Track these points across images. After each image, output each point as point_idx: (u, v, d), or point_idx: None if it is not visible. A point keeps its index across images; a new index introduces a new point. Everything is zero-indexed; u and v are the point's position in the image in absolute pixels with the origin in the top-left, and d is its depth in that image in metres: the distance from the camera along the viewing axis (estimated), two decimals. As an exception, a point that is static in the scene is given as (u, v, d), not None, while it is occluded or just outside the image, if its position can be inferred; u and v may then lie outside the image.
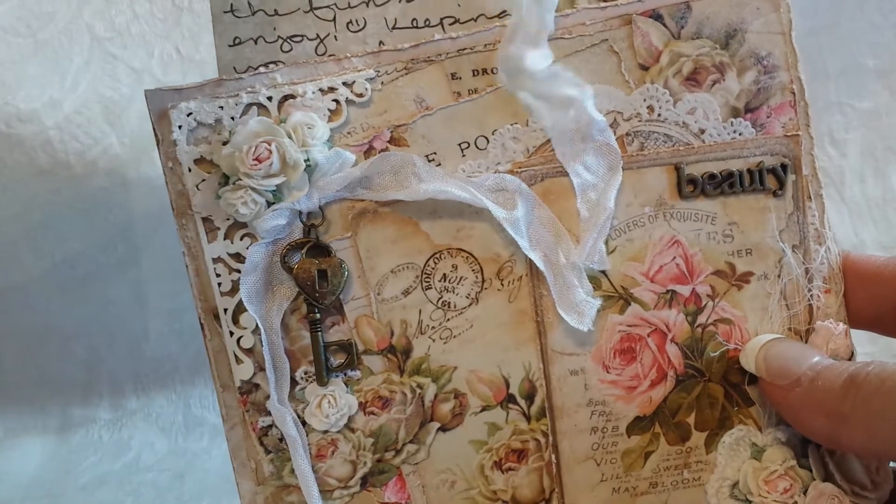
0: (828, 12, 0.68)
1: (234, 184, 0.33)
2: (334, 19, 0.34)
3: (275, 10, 0.33)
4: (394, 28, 0.34)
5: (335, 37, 0.34)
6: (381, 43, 0.34)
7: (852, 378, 0.31)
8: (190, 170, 0.34)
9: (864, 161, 0.70)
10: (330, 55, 0.34)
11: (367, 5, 0.34)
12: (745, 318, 0.36)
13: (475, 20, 0.34)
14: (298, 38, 0.34)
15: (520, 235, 0.34)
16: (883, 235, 0.70)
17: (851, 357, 0.35)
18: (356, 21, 0.34)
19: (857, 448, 0.33)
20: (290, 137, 0.33)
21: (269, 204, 0.33)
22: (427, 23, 0.34)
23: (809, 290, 0.36)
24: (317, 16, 0.33)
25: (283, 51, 0.34)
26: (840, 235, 0.70)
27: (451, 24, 0.34)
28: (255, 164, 0.32)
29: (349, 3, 0.34)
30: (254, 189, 0.32)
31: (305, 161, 0.33)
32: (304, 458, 0.33)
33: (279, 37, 0.34)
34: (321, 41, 0.34)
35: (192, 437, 0.67)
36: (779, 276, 0.36)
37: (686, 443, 0.36)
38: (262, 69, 0.34)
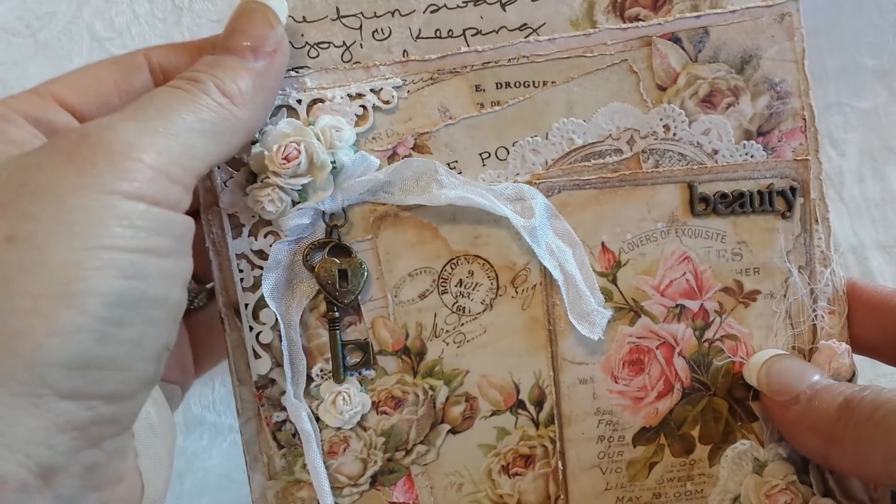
0: (827, 12, 0.68)
1: (261, 181, 0.34)
2: (360, 27, 0.35)
3: (303, 18, 0.34)
4: (418, 38, 0.35)
5: (360, 44, 0.35)
6: (405, 52, 0.35)
7: (847, 402, 0.32)
8: (219, 167, 0.34)
9: (862, 161, 0.70)
10: (356, 62, 0.35)
11: (393, 15, 0.35)
12: (751, 335, 0.37)
13: (496, 32, 0.35)
14: (325, 45, 0.35)
15: (536, 244, 0.35)
16: (881, 235, 0.71)
17: (853, 377, 0.36)
18: (381, 30, 0.35)
19: (847, 470, 0.34)
20: (318, 139, 0.34)
21: (294, 203, 0.34)
22: (450, 33, 0.35)
23: (814, 311, 0.37)
24: (343, 24, 0.35)
25: (310, 56, 0.35)
26: (839, 235, 0.70)
27: (473, 35, 0.35)
28: (284, 163, 0.33)
29: (375, 13, 0.35)
30: (280, 188, 0.33)
31: (332, 163, 0.34)
32: (317, 454, 0.34)
33: (306, 43, 0.35)
34: (347, 48, 0.35)
35: (191, 436, 0.67)
36: (784, 295, 0.37)
37: (690, 455, 0.37)
38: (291, 73, 0.35)
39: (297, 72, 0.35)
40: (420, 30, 0.35)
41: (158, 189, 0.27)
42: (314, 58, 0.35)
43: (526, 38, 0.36)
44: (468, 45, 0.35)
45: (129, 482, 0.29)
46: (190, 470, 0.65)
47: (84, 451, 0.26)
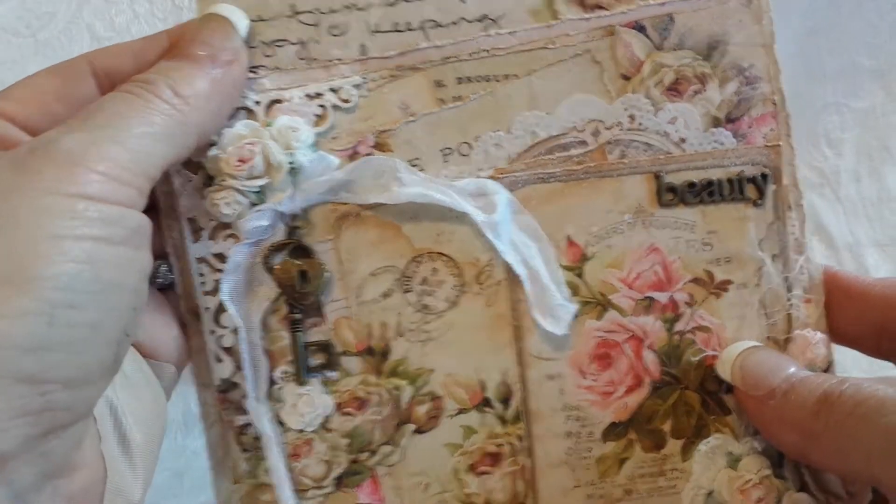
0: (825, 13, 0.68)
1: (218, 184, 0.33)
2: (317, 24, 0.34)
3: (258, 17, 0.34)
4: (375, 32, 0.34)
5: (317, 41, 0.34)
6: (363, 46, 0.34)
7: (826, 396, 0.31)
8: (178, 171, 0.34)
9: (859, 161, 0.70)
10: (312, 59, 0.34)
11: (350, 9, 0.34)
12: (724, 326, 0.36)
13: (456, 23, 0.35)
14: (281, 43, 0.34)
15: (499, 240, 0.35)
16: (878, 234, 0.71)
17: (829, 367, 0.35)
18: (338, 26, 0.34)
19: (826, 467, 0.33)
20: (274, 140, 0.33)
21: (253, 205, 0.34)
22: (408, 26, 0.34)
23: (789, 300, 0.36)
24: (300, 21, 0.34)
25: (265, 56, 0.34)
26: (836, 234, 0.70)
27: (432, 28, 0.34)
28: (239, 165, 0.33)
29: (331, 8, 0.34)
30: (237, 190, 0.33)
31: (289, 164, 0.33)
32: (278, 457, 0.34)
33: (261, 42, 0.34)
34: (303, 45, 0.34)
35: (191, 435, 0.67)
36: (758, 285, 0.36)
37: (661, 450, 0.36)
38: (250, 74, 0.35)
39: (254, 73, 0.34)
40: (378, 24, 0.35)
41: (107, 191, 0.27)
42: (269, 56, 0.34)
43: (486, 28, 0.35)
44: (427, 39, 0.35)
45: (89, 469, 0.29)
46: (190, 468, 0.65)
47: (39, 438, 0.26)
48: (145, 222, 0.29)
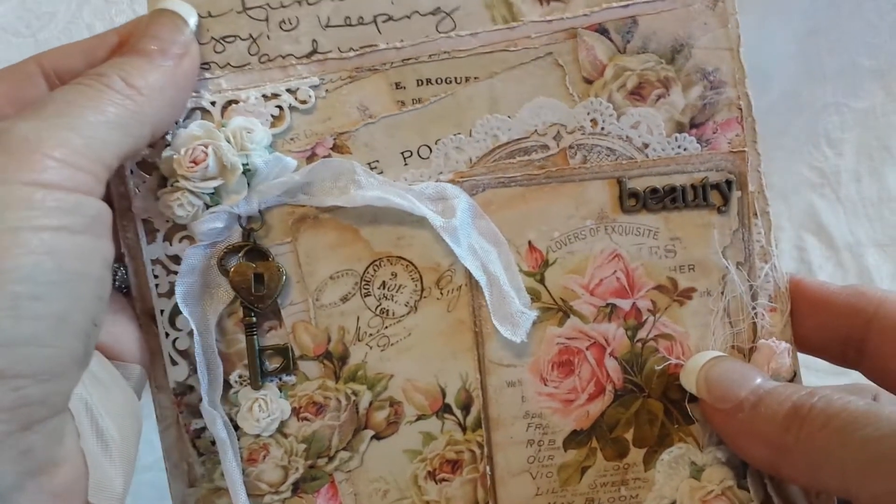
0: (825, 13, 0.68)
1: (171, 185, 0.33)
2: (267, 19, 0.34)
3: (208, 13, 0.34)
4: (327, 27, 0.34)
5: (268, 36, 0.34)
6: (314, 41, 0.34)
7: (796, 409, 0.30)
8: (132, 171, 0.34)
9: (859, 161, 0.70)
10: (263, 55, 0.34)
11: (300, 4, 0.34)
12: (687, 334, 0.35)
13: (409, 17, 0.34)
14: (231, 39, 0.34)
15: (457, 245, 0.34)
16: (878, 234, 0.70)
17: (794, 377, 0.35)
18: (289, 20, 0.34)
19: (798, 481, 0.32)
20: (228, 141, 0.33)
21: (207, 207, 0.33)
22: (361, 20, 0.34)
23: (753, 308, 0.35)
24: (249, 16, 0.34)
25: (216, 52, 0.34)
26: (836, 234, 0.70)
27: (384, 22, 0.34)
28: (192, 167, 0.32)
29: (281, 3, 0.34)
30: (191, 191, 0.33)
31: (244, 165, 0.33)
32: (233, 462, 0.33)
33: (212, 38, 0.34)
34: (254, 41, 0.34)
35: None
36: (722, 292, 0.35)
37: (624, 459, 0.35)
38: (206, 75, 0.34)
39: (206, 68, 0.34)
40: (329, 18, 0.34)
41: (63, 177, 0.27)
42: (220, 52, 0.34)
43: (439, 23, 0.34)
44: (379, 32, 0.34)
45: (71, 465, 0.29)
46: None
47: (15, 434, 0.26)
48: (105, 210, 0.29)
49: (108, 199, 0.34)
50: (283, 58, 0.34)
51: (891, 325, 0.33)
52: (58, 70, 0.31)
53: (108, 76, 0.30)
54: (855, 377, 0.37)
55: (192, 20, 0.33)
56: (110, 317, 0.33)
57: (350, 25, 0.34)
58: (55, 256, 0.26)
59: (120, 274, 0.35)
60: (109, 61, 0.31)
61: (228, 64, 0.34)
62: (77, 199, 0.27)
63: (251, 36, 0.34)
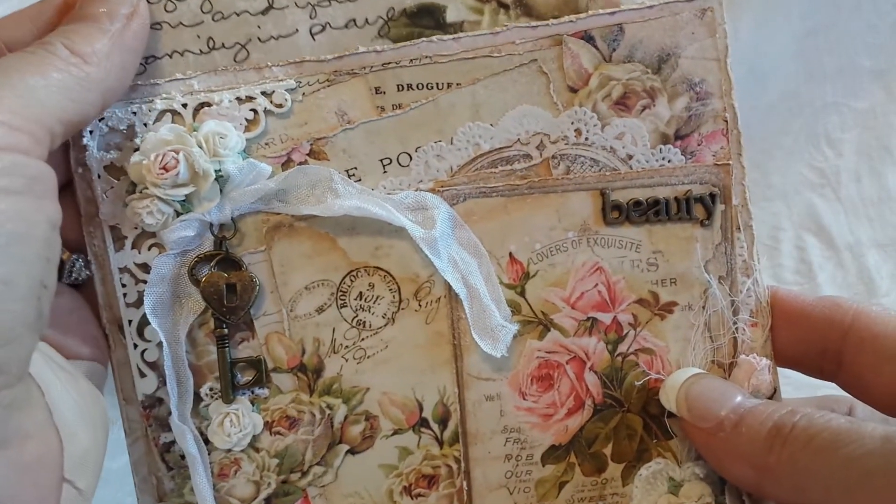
0: (825, 13, 0.68)
1: (140, 192, 0.32)
2: None
3: None
4: None
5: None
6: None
7: (778, 429, 0.30)
8: (99, 176, 0.33)
9: (859, 161, 0.71)
10: (217, 12, 0.32)
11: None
12: (668, 348, 0.35)
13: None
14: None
15: (437, 256, 0.33)
16: (878, 234, 0.71)
17: (774, 394, 0.35)
18: None
19: (781, 500, 0.32)
20: (200, 147, 0.32)
21: (178, 214, 0.32)
22: None
23: (735, 323, 0.35)
24: None
25: (166, 10, 0.32)
26: (836, 234, 0.70)
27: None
28: (162, 173, 0.31)
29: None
30: (161, 199, 0.31)
31: (217, 171, 0.32)
32: (203, 477, 0.33)
33: None
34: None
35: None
36: (703, 307, 0.35)
37: (602, 474, 0.35)
38: (178, 75, 0.33)
39: (157, 27, 0.33)
40: None
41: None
42: (171, 12, 0.33)
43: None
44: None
45: (41, 439, 0.28)
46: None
47: None
48: (46, 171, 0.28)
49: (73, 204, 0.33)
50: (238, 15, 0.33)
51: (867, 337, 0.33)
52: (6, 40, 0.30)
53: (53, 44, 0.29)
54: (828, 389, 0.37)
55: None
56: (65, 316, 0.33)
57: None
58: None
59: (77, 266, 0.33)
60: (56, 30, 0.31)
61: (181, 24, 0.33)
62: (13, 159, 0.27)
63: None
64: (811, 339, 0.34)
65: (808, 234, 0.70)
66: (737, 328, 0.35)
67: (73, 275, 0.33)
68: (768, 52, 0.66)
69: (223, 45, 0.33)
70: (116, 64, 0.30)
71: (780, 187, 0.69)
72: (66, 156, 0.33)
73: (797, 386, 0.42)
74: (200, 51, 0.33)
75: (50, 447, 0.28)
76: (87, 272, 0.33)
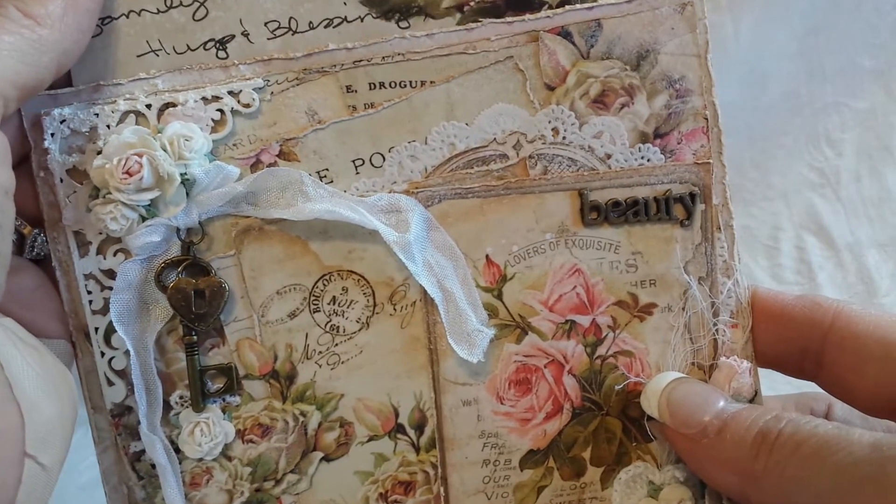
0: (825, 13, 0.67)
1: (104, 197, 0.31)
2: None
3: None
4: None
5: None
6: None
7: (763, 436, 0.29)
8: (62, 180, 0.32)
9: (859, 160, 0.71)
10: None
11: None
12: (647, 350, 0.34)
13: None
14: None
15: (411, 260, 0.32)
16: (878, 233, 0.71)
17: (755, 397, 0.34)
18: None
19: None
20: (165, 150, 0.31)
21: (143, 219, 0.31)
22: None
23: (715, 325, 0.34)
24: None
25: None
26: (836, 234, 0.70)
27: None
28: (125, 178, 0.30)
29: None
30: (125, 204, 0.30)
31: (182, 175, 0.31)
32: (174, 488, 0.32)
33: None
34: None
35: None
36: (683, 308, 0.34)
37: (581, 478, 0.35)
38: (141, 75, 0.32)
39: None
40: None
41: None
42: None
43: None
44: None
45: (1, 412, 0.27)
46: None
47: None
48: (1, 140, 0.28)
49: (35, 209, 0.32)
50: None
51: (848, 337, 0.33)
52: None
53: (4, 7, 0.29)
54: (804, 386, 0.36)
55: None
56: (29, 291, 0.32)
57: None
58: None
59: (39, 240, 0.32)
60: None
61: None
62: None
63: None
64: (791, 339, 0.34)
65: (808, 234, 0.70)
66: (717, 330, 0.34)
67: (35, 250, 0.33)
68: (768, 52, 0.65)
69: (181, 3, 0.32)
70: (71, 25, 0.30)
71: (780, 187, 0.69)
72: (23, 126, 0.32)
73: (777, 384, 0.42)
74: (158, 10, 0.32)
75: (10, 421, 0.27)
76: (49, 247, 0.32)
